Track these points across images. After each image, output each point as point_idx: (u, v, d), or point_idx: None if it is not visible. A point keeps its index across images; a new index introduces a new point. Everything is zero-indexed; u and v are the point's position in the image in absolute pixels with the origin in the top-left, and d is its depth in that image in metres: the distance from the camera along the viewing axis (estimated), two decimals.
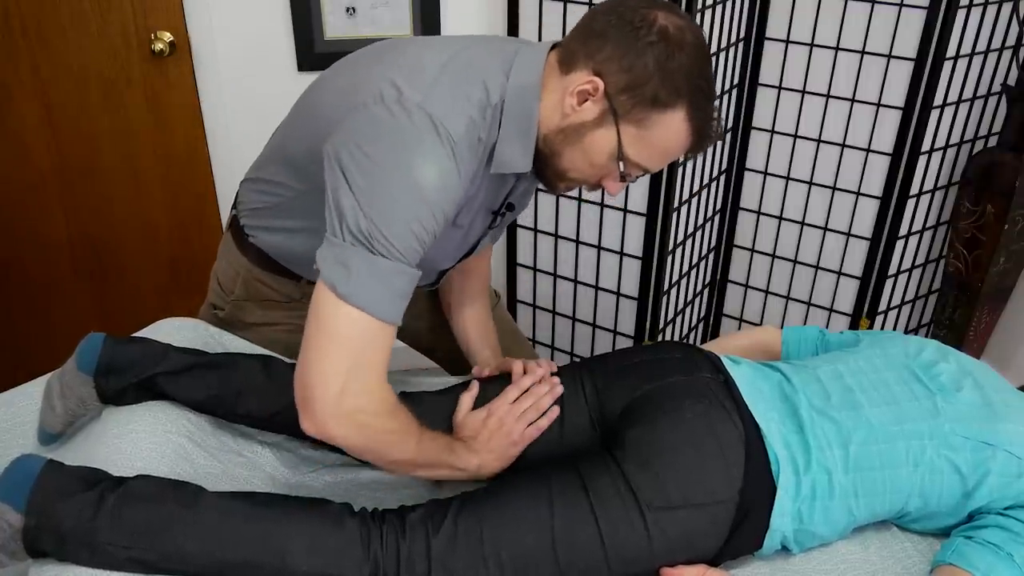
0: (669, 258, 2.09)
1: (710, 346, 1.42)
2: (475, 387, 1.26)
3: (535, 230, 2.24)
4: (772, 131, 2.16)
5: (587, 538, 1.05)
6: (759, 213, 2.28)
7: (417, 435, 1.10)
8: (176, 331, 1.39)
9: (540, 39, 1.99)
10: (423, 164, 0.99)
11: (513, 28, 2.00)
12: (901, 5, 1.89)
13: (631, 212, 2.06)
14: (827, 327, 2.24)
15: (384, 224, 0.97)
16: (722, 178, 2.25)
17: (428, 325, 1.54)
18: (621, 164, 1.07)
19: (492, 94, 1.05)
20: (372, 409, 1.03)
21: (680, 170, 1.98)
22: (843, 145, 2.08)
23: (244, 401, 1.24)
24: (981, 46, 1.96)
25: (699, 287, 2.38)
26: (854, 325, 2.25)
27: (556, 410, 1.23)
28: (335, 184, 1.00)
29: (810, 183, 2.16)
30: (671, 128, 1.04)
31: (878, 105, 2.00)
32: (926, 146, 2.01)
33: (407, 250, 0.99)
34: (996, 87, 2.06)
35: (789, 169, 2.18)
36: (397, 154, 0.99)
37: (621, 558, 1.05)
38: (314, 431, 1.02)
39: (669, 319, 2.23)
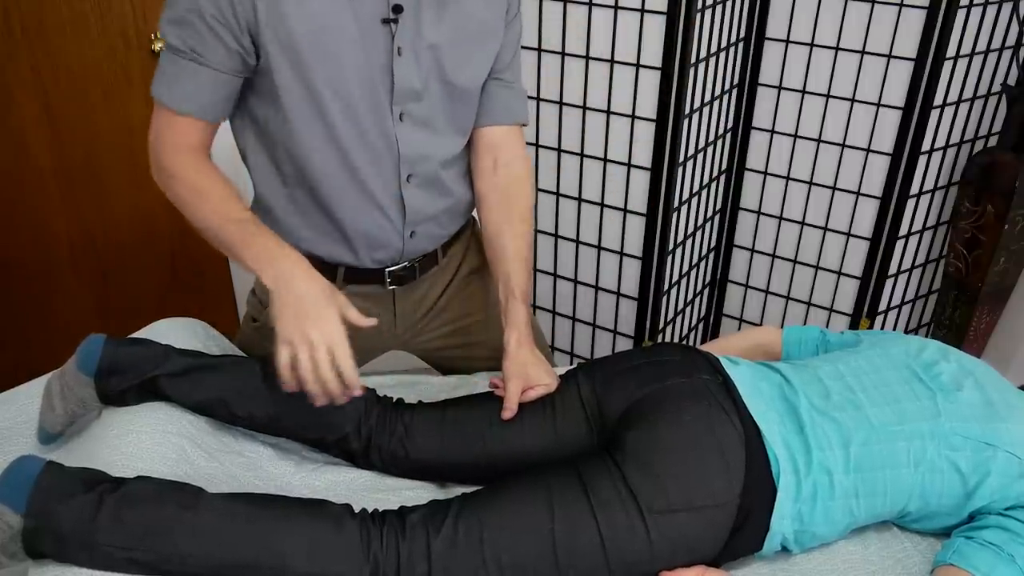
0: (669, 258, 2.09)
1: (709, 347, 1.42)
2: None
3: (535, 230, 2.24)
4: (772, 131, 2.16)
5: (587, 541, 1.05)
6: (759, 213, 2.28)
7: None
8: (175, 331, 1.39)
9: (540, 39, 1.99)
10: None
11: None
12: (901, 5, 1.89)
13: (631, 212, 2.06)
14: (827, 327, 2.24)
15: (166, 17, 1.10)
16: (722, 178, 2.25)
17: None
18: None
19: None
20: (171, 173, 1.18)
21: (680, 170, 1.98)
22: (843, 145, 2.08)
23: (244, 403, 1.24)
24: (981, 46, 1.96)
25: (699, 287, 2.38)
26: (854, 325, 2.25)
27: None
28: None
29: (810, 183, 2.16)
30: None
31: (878, 105, 2.00)
32: (926, 146, 2.01)
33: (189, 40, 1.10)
34: (996, 87, 2.06)
35: (789, 169, 2.18)
36: None
37: (621, 561, 1.05)
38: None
39: (669, 319, 2.23)
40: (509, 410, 1.24)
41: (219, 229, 1.15)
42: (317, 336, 1.04)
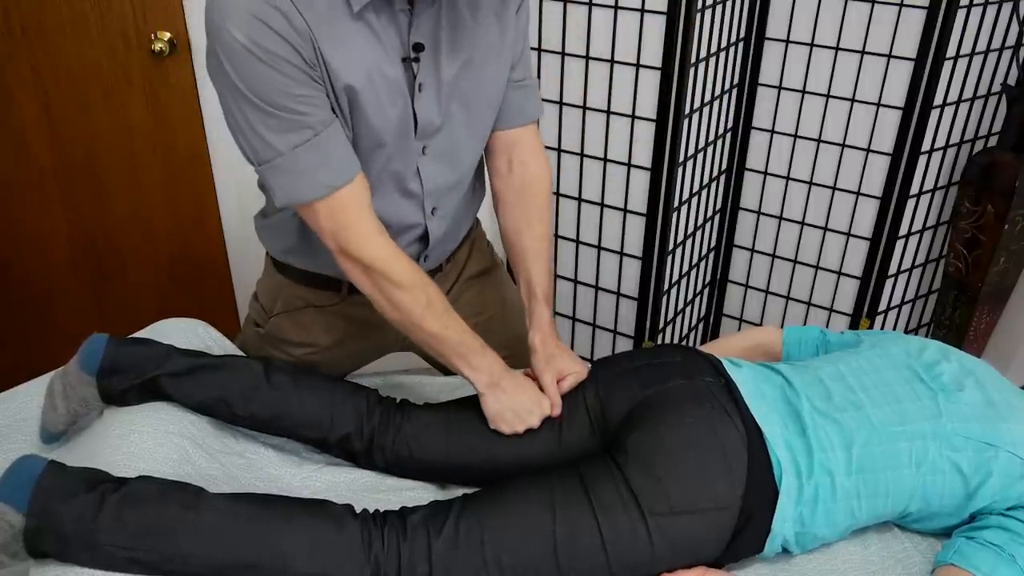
0: (669, 258, 2.09)
1: (709, 347, 1.42)
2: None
3: None
4: (772, 131, 2.16)
5: (589, 543, 1.05)
6: (759, 213, 2.28)
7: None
8: (177, 332, 1.39)
9: (540, 39, 1.99)
10: (238, 27, 1.00)
11: None
12: (901, 5, 1.89)
13: (631, 212, 2.06)
14: (827, 327, 2.24)
15: (263, 126, 1.06)
16: (722, 178, 2.25)
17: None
18: None
19: None
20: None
21: (680, 170, 1.98)
22: (843, 145, 2.08)
23: (246, 403, 1.24)
24: (981, 46, 1.96)
25: (699, 287, 2.38)
26: (854, 325, 2.25)
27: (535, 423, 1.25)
28: None
29: (810, 183, 2.16)
30: None
31: (878, 105, 2.00)
32: (926, 146, 2.02)
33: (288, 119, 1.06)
34: (996, 87, 2.06)
35: (789, 169, 2.18)
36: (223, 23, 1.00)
37: (623, 563, 1.05)
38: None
39: (669, 319, 2.23)
40: (556, 407, 1.25)
41: (438, 335, 1.21)
42: (532, 421, 1.24)
